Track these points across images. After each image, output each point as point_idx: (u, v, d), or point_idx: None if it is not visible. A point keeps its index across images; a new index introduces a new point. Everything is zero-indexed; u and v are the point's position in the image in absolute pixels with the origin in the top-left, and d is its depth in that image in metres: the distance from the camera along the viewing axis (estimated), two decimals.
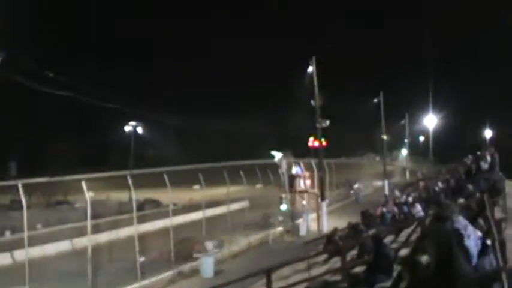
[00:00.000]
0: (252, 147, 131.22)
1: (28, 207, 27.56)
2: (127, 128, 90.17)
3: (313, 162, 59.23)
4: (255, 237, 48.27)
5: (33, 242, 37.50)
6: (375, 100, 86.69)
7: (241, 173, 51.36)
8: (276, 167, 58.65)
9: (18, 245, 40.69)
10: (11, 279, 32.34)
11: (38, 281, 27.52)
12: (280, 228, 52.50)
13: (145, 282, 33.36)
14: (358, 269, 17.73)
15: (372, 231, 25.46)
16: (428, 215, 23.05)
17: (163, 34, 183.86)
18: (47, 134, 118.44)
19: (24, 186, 28.76)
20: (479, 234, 10.57)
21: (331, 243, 28.46)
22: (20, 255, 38.93)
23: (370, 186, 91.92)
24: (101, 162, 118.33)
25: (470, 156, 42.03)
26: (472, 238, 9.80)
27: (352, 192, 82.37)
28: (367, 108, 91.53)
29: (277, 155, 56.34)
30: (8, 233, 57.60)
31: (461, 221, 10.51)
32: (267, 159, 67.05)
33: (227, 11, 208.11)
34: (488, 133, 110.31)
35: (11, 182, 52.89)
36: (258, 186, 65.50)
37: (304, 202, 57.71)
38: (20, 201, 29.56)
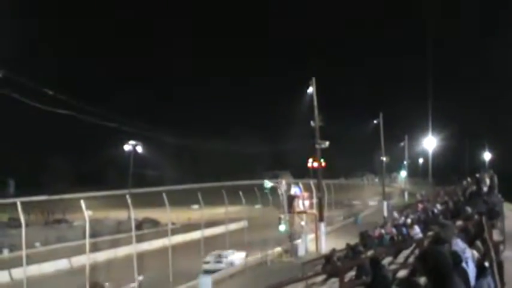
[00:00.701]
0: (250, 167, 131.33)
1: (27, 225, 27.55)
2: (126, 147, 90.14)
3: (312, 183, 59.25)
4: (253, 257, 48.18)
5: (32, 260, 37.49)
6: (375, 121, 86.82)
7: (240, 193, 51.37)
8: (275, 187, 58.63)
9: (16, 263, 40.68)
10: None
11: None
12: (278, 249, 52.43)
13: None
14: None
15: (370, 253, 25.48)
16: (427, 236, 23.05)
17: (163, 52, 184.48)
18: (46, 152, 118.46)
19: (23, 204, 28.76)
20: (477, 256, 10.61)
21: (330, 264, 28.46)
22: (18, 273, 38.89)
23: (368, 208, 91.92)
24: (99, 181, 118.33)
25: (469, 179, 42.08)
26: (470, 261, 9.84)
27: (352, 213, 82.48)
28: (366, 129, 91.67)
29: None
30: (6, 251, 57.48)
31: (459, 244, 10.54)
32: (266, 179, 67.14)
33: (226, 29, 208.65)
34: (487, 156, 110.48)
35: (10, 200, 52.94)
36: (257, 206, 65.53)
37: (302, 223, 57.63)
38: (19, 219, 29.59)
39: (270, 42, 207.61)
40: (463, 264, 9.07)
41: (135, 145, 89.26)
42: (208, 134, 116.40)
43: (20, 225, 30.97)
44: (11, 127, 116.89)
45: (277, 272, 40.36)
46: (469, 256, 9.85)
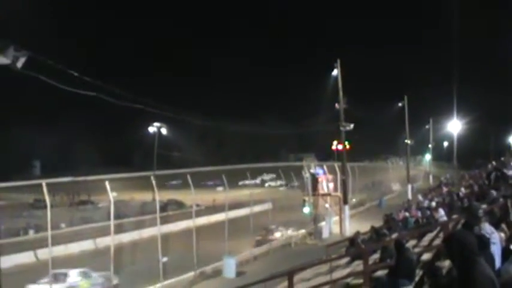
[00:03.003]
0: (275, 149, 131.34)
1: (52, 206, 27.64)
2: (151, 129, 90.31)
3: (336, 165, 59.12)
4: (278, 239, 48.23)
5: (57, 240, 37.70)
6: (399, 104, 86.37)
7: (265, 175, 51.38)
8: (299, 169, 58.55)
9: (41, 243, 40.99)
10: (34, 278, 32.58)
11: None
12: (302, 231, 52.43)
13: (168, 282, 33.44)
14: (380, 273, 17.67)
15: (394, 235, 25.40)
16: (452, 220, 22.94)
17: (186, 34, 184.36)
18: (71, 134, 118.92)
19: (48, 185, 28.85)
20: (503, 239, 10.57)
21: (354, 247, 28.39)
22: (44, 253, 39.17)
23: (392, 191, 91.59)
24: (125, 162, 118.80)
25: (493, 162, 41.86)
26: (497, 244, 9.79)
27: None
28: (391, 112, 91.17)
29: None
30: (31, 232, 57.85)
31: (487, 228, 10.52)
32: (290, 162, 67.16)
33: (248, 9, 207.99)
34: None
35: (35, 181, 53.19)
36: (281, 188, 65.49)
37: (327, 205, 57.59)
38: (44, 201, 29.72)
39: (294, 23, 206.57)
40: (490, 248, 9.05)
41: (160, 127, 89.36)
42: (233, 117, 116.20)
43: (45, 207, 31.14)
44: (37, 109, 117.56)
45: (301, 254, 40.42)
46: (497, 240, 9.82)
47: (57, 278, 29.79)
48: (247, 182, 64.42)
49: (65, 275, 30.93)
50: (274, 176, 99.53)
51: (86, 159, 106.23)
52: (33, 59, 14.75)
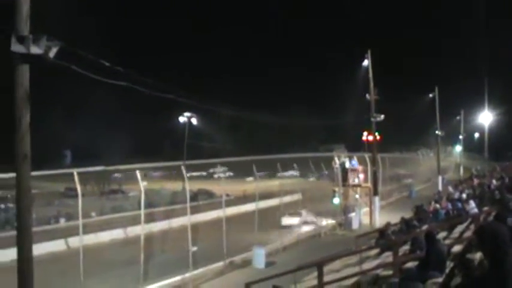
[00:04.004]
0: (305, 140, 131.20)
1: (83, 195, 27.86)
2: (182, 119, 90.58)
3: (366, 156, 59.01)
4: (307, 230, 48.25)
5: (88, 229, 37.98)
6: (430, 95, 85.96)
7: (294, 165, 51.33)
8: (329, 160, 58.47)
9: (72, 232, 41.33)
10: (65, 266, 32.89)
11: (92, 267, 27.86)
12: (332, 222, 52.42)
13: (197, 271, 33.56)
14: (410, 264, 17.62)
15: (424, 227, 25.31)
16: (483, 212, 22.83)
17: (220, 25, 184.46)
18: (102, 124, 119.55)
19: (79, 174, 29.07)
20: None
21: (384, 238, 28.34)
22: (75, 242, 39.52)
23: (423, 182, 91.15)
24: (155, 152, 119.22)
25: None
26: None
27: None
28: (422, 103, 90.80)
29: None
30: (62, 220, 58.36)
31: None
32: (320, 153, 67.10)
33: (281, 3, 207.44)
34: None
35: (67, 171, 53.62)
36: (311, 179, 65.47)
37: (357, 196, 57.52)
38: (75, 189, 29.95)
39: (325, 13, 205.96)
40: None
41: (191, 117, 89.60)
42: (263, 107, 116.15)
43: (76, 195, 31.38)
44: (68, 99, 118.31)
45: (331, 244, 40.39)
46: None
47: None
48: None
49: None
50: (226, 168, 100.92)
51: (116, 149, 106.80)
52: (65, 49, 14.82)
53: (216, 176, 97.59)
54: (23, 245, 14.53)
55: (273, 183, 52.69)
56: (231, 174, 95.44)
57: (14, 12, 14.24)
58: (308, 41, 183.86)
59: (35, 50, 14.00)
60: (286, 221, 50.74)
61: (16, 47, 13.99)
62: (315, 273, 21.09)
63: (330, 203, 55.10)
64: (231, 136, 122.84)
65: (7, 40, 14.14)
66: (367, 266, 22.53)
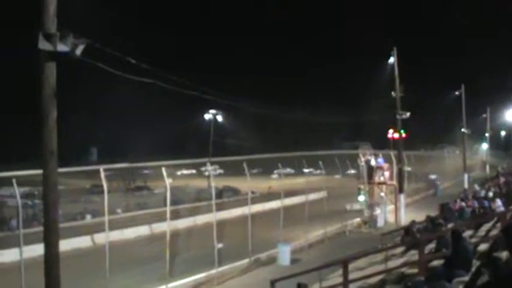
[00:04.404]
0: (330, 137, 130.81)
1: (108, 192, 27.97)
2: (207, 116, 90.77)
3: (392, 154, 58.82)
4: (332, 228, 48.19)
5: (113, 225, 38.18)
6: (456, 93, 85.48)
7: (320, 163, 51.18)
8: (354, 157, 58.34)
9: (98, 228, 41.61)
10: (91, 262, 33.11)
11: (117, 263, 27.98)
12: (357, 219, 52.36)
13: (222, 268, 33.62)
14: (436, 263, 17.57)
15: (450, 225, 25.21)
16: (509, 210, 22.70)
17: (244, 22, 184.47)
18: (128, 121, 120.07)
19: (105, 171, 29.21)
20: None
21: (409, 236, 28.26)
22: (100, 238, 39.80)
23: (448, 180, 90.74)
24: (180, 149, 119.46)
25: None
26: None
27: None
28: (448, 100, 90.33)
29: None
30: (88, 217, 58.77)
31: None
32: (345, 150, 66.93)
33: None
34: None
35: (93, 167, 53.94)
36: (337, 176, 65.36)
37: (382, 194, 57.35)
38: (100, 186, 30.10)
39: (350, 10, 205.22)
40: None
41: (216, 114, 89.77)
42: (287, 104, 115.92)
43: (102, 192, 31.56)
44: (94, 96, 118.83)
45: (356, 242, 40.38)
46: None
47: None
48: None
49: None
50: (217, 166, 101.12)
51: (142, 146, 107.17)
52: (91, 46, 14.92)
53: (206, 173, 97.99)
54: (50, 240, 14.65)
55: (298, 181, 52.60)
56: (221, 171, 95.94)
57: (41, 10, 14.35)
58: (334, 38, 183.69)
59: (62, 47, 14.11)
60: (351, 206, 51.42)
61: (43, 45, 14.10)
62: (340, 271, 21.09)
63: (355, 201, 55.05)
64: (256, 133, 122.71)
65: (35, 38, 14.26)
66: (392, 264, 22.50)
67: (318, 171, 52.51)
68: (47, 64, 14.37)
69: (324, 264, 23.64)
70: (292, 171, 68.51)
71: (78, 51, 14.35)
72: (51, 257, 14.64)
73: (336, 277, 23.03)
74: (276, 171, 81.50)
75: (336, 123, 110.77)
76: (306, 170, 47.27)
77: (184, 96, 32.04)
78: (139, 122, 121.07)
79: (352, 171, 59.96)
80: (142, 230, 51.86)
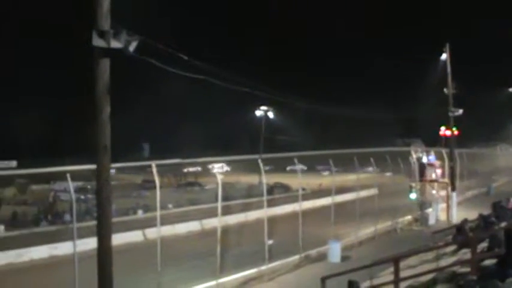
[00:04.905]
0: (381, 134, 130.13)
1: (160, 187, 28.21)
2: (258, 113, 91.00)
3: (444, 151, 58.38)
4: (383, 225, 47.99)
5: (165, 221, 38.49)
6: (510, 89, 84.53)
7: (371, 160, 51.00)
8: (406, 154, 58.04)
9: (149, 223, 42.02)
10: (143, 256, 33.46)
11: (169, 258, 28.22)
12: (408, 217, 52.07)
13: (273, 264, 33.71)
14: (489, 262, 17.40)
15: (503, 224, 24.93)
16: None
17: (295, 17, 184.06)
18: (180, 117, 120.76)
19: (157, 167, 29.45)
20: None
21: (461, 234, 28.01)
22: (152, 233, 40.13)
23: (502, 178, 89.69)
24: (231, 145, 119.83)
25: None
26: None
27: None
28: (501, 97, 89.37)
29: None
30: (140, 212, 59.34)
31: None
32: (397, 147, 66.63)
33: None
34: None
35: (145, 163, 54.51)
36: (388, 173, 65.04)
37: (434, 191, 56.96)
38: (152, 182, 30.34)
39: (401, 6, 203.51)
40: None
41: (267, 110, 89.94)
42: (339, 101, 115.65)
43: (153, 187, 31.83)
44: (146, 92, 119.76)
45: (407, 240, 40.16)
46: None
47: None
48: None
49: None
50: (223, 164, 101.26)
51: (193, 142, 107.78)
52: (144, 43, 15.10)
53: (214, 171, 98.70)
54: (103, 234, 14.84)
55: (349, 178, 52.47)
56: (228, 169, 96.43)
57: (95, 7, 14.54)
58: (385, 33, 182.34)
59: (115, 44, 14.28)
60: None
61: (97, 42, 14.28)
62: (391, 269, 21.01)
63: (406, 198, 54.72)
64: (307, 130, 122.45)
65: (89, 35, 14.45)
66: (444, 262, 22.33)
67: (370, 169, 52.41)
68: (100, 61, 14.56)
69: (375, 262, 23.57)
70: (341, 168, 68.55)
71: (131, 48, 14.51)
72: (104, 251, 14.84)
73: (387, 275, 22.96)
74: (319, 167, 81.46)
75: (387, 120, 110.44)
76: (357, 167, 47.03)
77: (235, 92, 32.21)
78: (191, 118, 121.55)
79: (404, 169, 59.55)
80: (193, 226, 52.19)
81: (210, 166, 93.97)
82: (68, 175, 26.35)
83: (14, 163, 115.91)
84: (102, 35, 14.28)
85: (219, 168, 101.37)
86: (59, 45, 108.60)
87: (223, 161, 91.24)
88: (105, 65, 14.65)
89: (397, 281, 19.79)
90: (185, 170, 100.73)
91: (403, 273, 20.62)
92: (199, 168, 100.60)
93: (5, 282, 33.67)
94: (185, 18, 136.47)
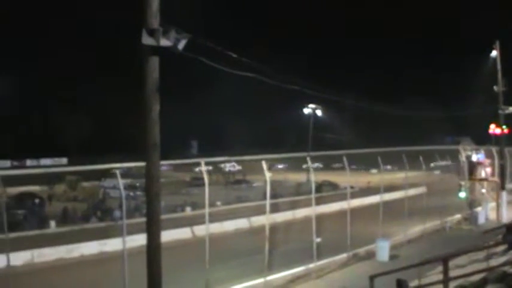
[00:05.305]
0: (429, 132, 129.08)
1: (208, 185, 28.33)
2: (306, 110, 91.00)
3: (493, 149, 57.73)
4: (432, 224, 47.65)
5: (213, 218, 38.70)
6: None
7: (420, 158, 50.63)
8: (454, 153, 57.54)
9: (197, 220, 42.25)
10: (191, 253, 33.66)
11: (217, 255, 28.31)
12: (457, 216, 51.63)
13: (321, 262, 33.66)
14: None
15: None
16: None
17: (346, 17, 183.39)
18: (228, 114, 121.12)
19: (205, 164, 29.59)
20: None
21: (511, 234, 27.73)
22: (200, 230, 40.33)
23: None
24: (278, 143, 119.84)
25: None
26: None
27: None
28: None
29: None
30: (188, 209, 59.63)
31: None
32: (445, 145, 66.02)
33: None
34: None
35: (194, 160, 54.81)
36: (437, 172, 64.57)
37: (483, 190, 56.40)
38: (200, 179, 30.49)
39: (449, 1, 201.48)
40: None
41: (315, 109, 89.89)
42: (387, 98, 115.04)
43: (201, 185, 31.94)
44: (194, 89, 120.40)
45: (456, 239, 39.85)
46: None
47: None
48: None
49: None
50: (235, 163, 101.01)
51: (241, 139, 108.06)
52: (193, 41, 15.19)
53: (227, 169, 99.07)
54: (152, 231, 14.99)
55: (398, 176, 52.18)
56: (240, 168, 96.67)
57: (144, 6, 14.68)
58: (432, 31, 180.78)
59: (165, 42, 14.41)
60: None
61: (146, 40, 14.43)
62: (440, 268, 20.85)
63: (455, 197, 54.23)
64: (355, 128, 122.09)
65: (138, 33, 14.59)
66: (494, 262, 22.15)
67: (418, 167, 52.08)
68: (150, 59, 14.71)
69: (424, 261, 23.45)
70: (387, 167, 68.15)
71: (181, 46, 14.63)
72: (153, 247, 14.99)
73: (436, 274, 22.80)
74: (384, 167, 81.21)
75: (436, 118, 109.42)
76: (405, 165, 46.75)
77: (284, 90, 32.20)
78: (239, 116, 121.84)
79: (453, 167, 59.03)
80: (241, 223, 52.33)
81: (222, 165, 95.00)
82: (118, 172, 26.61)
83: (64, 160, 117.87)
84: (151, 33, 14.43)
85: (230, 166, 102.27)
86: (110, 44, 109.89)
87: (271, 158, 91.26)
88: (154, 63, 14.79)
89: (446, 280, 19.64)
90: (227, 169, 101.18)
91: (452, 273, 20.47)
92: (237, 166, 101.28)
93: (57, 277, 34.15)
94: (231, 17, 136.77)
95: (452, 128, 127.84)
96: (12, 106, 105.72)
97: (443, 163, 58.40)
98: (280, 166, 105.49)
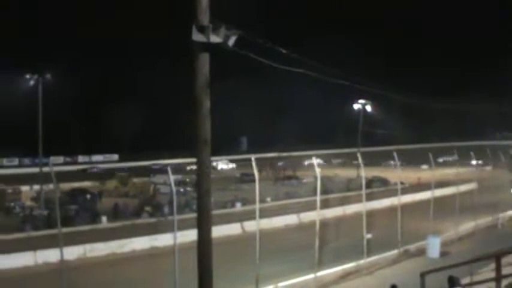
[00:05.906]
0: (480, 128, 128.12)
1: (258, 180, 28.39)
2: (356, 106, 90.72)
3: None
4: (483, 220, 47.19)
5: (263, 214, 38.81)
6: None
7: (471, 154, 50.17)
8: (507, 148, 57.00)
9: (247, 216, 42.42)
10: (241, 248, 33.82)
11: (267, 251, 28.39)
12: (510, 212, 51.04)
13: (372, 258, 33.59)
14: None
15: None
16: None
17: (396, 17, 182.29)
18: (277, 110, 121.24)
19: (255, 160, 29.65)
20: None
21: None
22: (250, 226, 40.50)
23: None
24: (328, 139, 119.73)
25: None
26: None
27: None
28: None
29: None
30: (238, 205, 59.82)
31: None
32: (497, 141, 65.49)
33: None
34: None
35: (244, 156, 55.03)
36: (488, 167, 63.95)
37: None
38: (250, 175, 30.56)
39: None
40: None
41: (365, 104, 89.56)
42: (437, 93, 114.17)
43: (251, 181, 32.03)
44: (244, 85, 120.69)
45: (509, 236, 39.39)
46: None
47: None
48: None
49: None
50: (228, 161, 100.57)
51: (290, 135, 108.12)
52: (243, 37, 15.26)
53: (219, 168, 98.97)
54: (203, 227, 15.06)
55: (449, 172, 51.78)
56: (234, 166, 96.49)
57: (195, 3, 14.77)
58: (481, 28, 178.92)
59: (215, 38, 14.47)
60: None
61: (197, 37, 14.50)
62: (492, 266, 20.64)
63: (507, 193, 53.65)
64: (405, 123, 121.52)
65: (188, 30, 14.70)
66: None
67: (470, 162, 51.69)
68: (200, 55, 14.76)
69: (476, 258, 23.23)
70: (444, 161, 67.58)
71: (231, 42, 14.68)
72: (204, 243, 15.06)
73: (488, 272, 22.59)
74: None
75: (487, 113, 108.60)
76: (450, 159, 46.38)
77: (333, 85, 32.16)
78: (289, 112, 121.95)
79: (505, 163, 58.45)
80: (291, 219, 52.38)
81: (214, 163, 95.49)
82: (169, 168, 26.86)
83: (115, 157, 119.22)
84: (201, 30, 14.50)
85: (224, 165, 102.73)
86: (160, 42, 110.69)
87: (320, 154, 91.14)
88: (204, 59, 14.87)
89: (499, 278, 19.43)
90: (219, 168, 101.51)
91: (504, 270, 20.24)
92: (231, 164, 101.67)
93: (109, 271, 34.60)
94: (280, 13, 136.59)
95: (503, 124, 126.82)
96: (64, 104, 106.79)
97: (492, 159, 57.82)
98: (335, 161, 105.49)
